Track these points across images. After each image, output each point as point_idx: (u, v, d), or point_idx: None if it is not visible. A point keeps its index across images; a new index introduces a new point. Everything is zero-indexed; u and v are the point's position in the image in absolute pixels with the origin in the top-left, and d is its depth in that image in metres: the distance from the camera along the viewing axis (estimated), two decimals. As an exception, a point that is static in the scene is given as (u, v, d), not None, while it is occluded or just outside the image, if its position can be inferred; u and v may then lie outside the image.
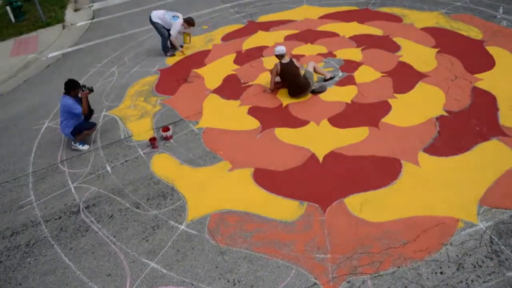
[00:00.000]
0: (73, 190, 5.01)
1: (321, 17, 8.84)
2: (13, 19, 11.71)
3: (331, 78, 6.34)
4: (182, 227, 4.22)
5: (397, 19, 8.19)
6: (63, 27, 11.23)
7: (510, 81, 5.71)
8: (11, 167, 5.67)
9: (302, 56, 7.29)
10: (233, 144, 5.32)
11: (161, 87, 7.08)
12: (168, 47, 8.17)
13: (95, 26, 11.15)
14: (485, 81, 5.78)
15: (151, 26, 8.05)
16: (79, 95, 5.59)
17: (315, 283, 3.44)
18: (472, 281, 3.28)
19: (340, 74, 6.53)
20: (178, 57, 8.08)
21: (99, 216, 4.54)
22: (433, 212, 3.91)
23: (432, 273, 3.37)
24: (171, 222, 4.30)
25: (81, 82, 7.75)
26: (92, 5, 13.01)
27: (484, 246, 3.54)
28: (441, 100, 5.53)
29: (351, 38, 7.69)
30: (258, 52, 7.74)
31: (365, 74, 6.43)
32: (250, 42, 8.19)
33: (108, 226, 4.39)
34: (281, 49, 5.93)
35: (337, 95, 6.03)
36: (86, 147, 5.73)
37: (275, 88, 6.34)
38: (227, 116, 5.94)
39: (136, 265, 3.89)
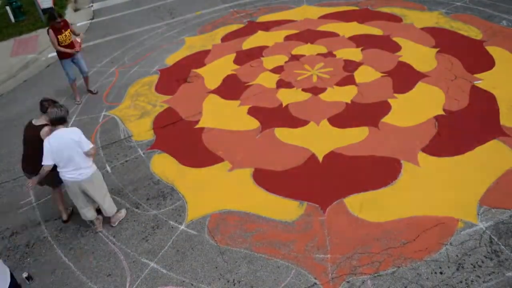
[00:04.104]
0: (73, 190, 5.01)
1: (321, 17, 8.84)
2: (13, 19, 11.70)
3: None
4: (182, 227, 4.22)
5: (397, 19, 8.19)
6: (63, 27, 11.22)
7: (510, 81, 5.71)
8: (11, 167, 5.67)
9: (302, 56, 7.29)
10: (233, 144, 5.31)
11: (161, 87, 7.07)
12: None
13: (95, 26, 11.14)
14: (485, 81, 5.78)
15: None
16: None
17: (315, 283, 3.44)
18: (472, 281, 3.28)
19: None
20: (177, 57, 8.07)
21: (99, 216, 4.54)
22: (433, 212, 3.91)
23: (432, 273, 3.37)
24: (171, 222, 4.30)
25: (80, 81, 7.78)
26: (92, 5, 13.00)
27: (484, 246, 3.54)
28: (441, 100, 5.52)
29: (351, 38, 7.68)
30: (258, 52, 7.74)
31: (365, 74, 6.43)
32: (250, 42, 8.19)
33: (108, 226, 4.39)
34: None
35: (337, 95, 6.03)
36: None
37: None
38: (227, 116, 5.94)
39: (136, 265, 3.89)
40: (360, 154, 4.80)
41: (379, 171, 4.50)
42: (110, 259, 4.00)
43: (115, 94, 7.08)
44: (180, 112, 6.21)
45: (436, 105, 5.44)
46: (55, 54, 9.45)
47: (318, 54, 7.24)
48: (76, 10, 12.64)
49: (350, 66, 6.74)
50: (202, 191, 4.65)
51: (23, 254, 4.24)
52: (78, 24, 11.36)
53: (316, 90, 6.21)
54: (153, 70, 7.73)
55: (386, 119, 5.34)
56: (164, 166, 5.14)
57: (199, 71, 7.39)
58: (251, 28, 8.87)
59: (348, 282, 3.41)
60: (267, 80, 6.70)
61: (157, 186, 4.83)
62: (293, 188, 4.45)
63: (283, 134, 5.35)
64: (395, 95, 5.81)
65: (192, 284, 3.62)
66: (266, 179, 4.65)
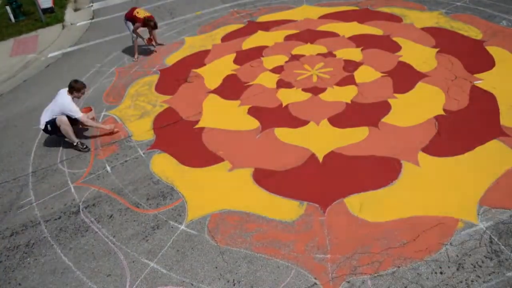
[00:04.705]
0: (72, 190, 5.01)
1: (321, 17, 8.84)
2: (13, 19, 11.71)
3: None
4: (182, 227, 4.22)
5: (397, 19, 8.19)
6: (63, 27, 11.23)
7: (510, 81, 5.71)
8: (11, 167, 5.67)
9: (302, 56, 7.29)
10: (233, 144, 5.31)
11: (161, 87, 7.07)
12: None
13: (95, 26, 11.14)
14: (485, 81, 5.78)
15: None
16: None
17: (315, 283, 3.44)
18: (472, 281, 3.28)
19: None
20: (177, 57, 8.07)
21: (99, 216, 4.54)
22: (433, 212, 3.91)
23: (432, 273, 3.37)
24: (171, 222, 4.30)
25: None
26: (92, 5, 13.01)
27: (484, 246, 3.53)
28: (441, 100, 5.52)
29: (351, 38, 7.69)
30: (258, 52, 7.74)
31: (365, 74, 6.43)
32: (250, 42, 8.19)
33: (108, 226, 4.39)
34: None
35: (337, 95, 6.03)
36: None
37: None
38: (227, 116, 5.94)
39: (136, 265, 3.89)
40: (360, 154, 4.80)
41: (379, 171, 4.50)
42: (110, 259, 4.00)
43: (115, 94, 7.08)
44: (180, 112, 6.21)
45: (436, 105, 5.44)
46: (55, 54, 9.48)
47: (318, 54, 7.24)
48: (76, 10, 12.65)
49: (350, 66, 6.74)
50: (202, 191, 4.65)
51: (23, 254, 4.24)
52: (78, 24, 11.39)
53: (316, 90, 6.21)
54: (153, 70, 7.73)
55: (386, 119, 5.34)
56: (164, 166, 5.14)
57: (199, 71, 7.39)
58: (251, 28, 8.88)
59: (348, 282, 3.41)
60: (267, 80, 6.70)
61: (157, 186, 4.83)
62: (293, 188, 4.45)
63: (283, 134, 5.35)
64: (395, 95, 5.81)
65: (192, 284, 3.62)
66: (266, 179, 4.65)
